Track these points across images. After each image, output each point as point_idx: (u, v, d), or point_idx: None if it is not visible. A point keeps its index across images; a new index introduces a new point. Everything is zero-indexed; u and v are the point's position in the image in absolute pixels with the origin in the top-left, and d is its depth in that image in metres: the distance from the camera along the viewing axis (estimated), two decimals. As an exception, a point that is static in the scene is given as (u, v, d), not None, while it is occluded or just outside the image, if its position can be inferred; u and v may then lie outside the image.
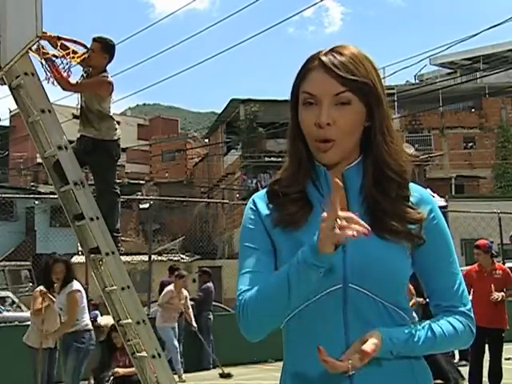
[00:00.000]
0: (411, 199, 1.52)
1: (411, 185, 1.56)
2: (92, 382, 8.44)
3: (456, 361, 9.58)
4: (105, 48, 5.34)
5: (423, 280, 1.57)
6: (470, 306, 1.55)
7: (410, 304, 8.20)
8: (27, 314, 8.69)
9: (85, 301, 6.74)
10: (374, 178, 1.50)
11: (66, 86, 5.18)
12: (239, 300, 1.47)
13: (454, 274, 1.55)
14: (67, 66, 5.16)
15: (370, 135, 1.50)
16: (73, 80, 5.27)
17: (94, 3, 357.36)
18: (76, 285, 6.58)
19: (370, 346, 1.37)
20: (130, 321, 4.94)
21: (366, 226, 1.30)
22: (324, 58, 1.46)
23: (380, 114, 1.49)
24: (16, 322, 12.61)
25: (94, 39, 5.34)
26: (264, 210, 1.55)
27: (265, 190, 1.60)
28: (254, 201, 1.58)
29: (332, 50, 1.48)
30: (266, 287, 1.43)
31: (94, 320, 8.79)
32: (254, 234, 1.54)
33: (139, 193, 34.05)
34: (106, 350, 7.88)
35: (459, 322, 1.51)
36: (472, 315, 1.55)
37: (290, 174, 1.55)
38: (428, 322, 1.50)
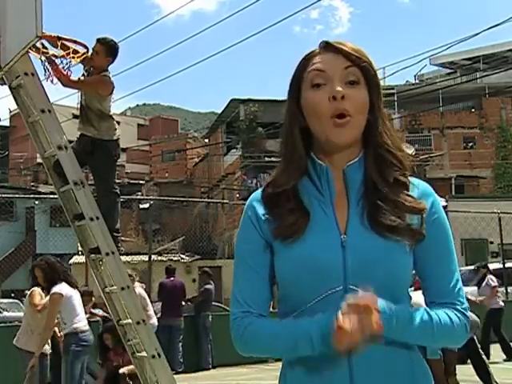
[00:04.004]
0: (412, 193, 1.51)
1: (412, 179, 1.55)
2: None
3: None
4: (109, 51, 5.33)
5: (419, 275, 1.54)
6: (466, 305, 1.52)
7: None
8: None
9: (75, 303, 6.48)
10: (376, 165, 1.50)
11: (66, 82, 5.17)
12: (237, 323, 1.51)
13: (452, 271, 1.51)
14: (67, 66, 5.16)
15: (370, 130, 1.51)
16: (73, 78, 5.27)
17: (98, 2, 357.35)
18: (58, 287, 6.32)
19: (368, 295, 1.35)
20: (129, 321, 4.93)
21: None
22: (331, 42, 1.51)
23: (380, 105, 1.52)
24: (16, 322, 12.60)
25: (98, 40, 5.32)
26: (262, 216, 1.53)
27: (261, 192, 1.57)
28: (251, 206, 1.56)
29: (335, 41, 1.52)
30: (265, 337, 1.47)
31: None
32: (250, 247, 1.53)
33: (139, 193, 34.07)
34: (99, 351, 7.81)
35: (456, 316, 1.48)
36: (468, 315, 1.51)
37: (282, 170, 1.54)
38: (423, 308, 1.48)
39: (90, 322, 8.61)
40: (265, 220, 1.52)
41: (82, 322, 6.53)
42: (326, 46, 1.50)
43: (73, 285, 6.60)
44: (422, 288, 1.56)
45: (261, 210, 1.53)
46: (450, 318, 1.47)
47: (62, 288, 6.37)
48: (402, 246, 1.45)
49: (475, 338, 7.40)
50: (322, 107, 1.46)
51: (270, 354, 1.52)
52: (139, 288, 9.46)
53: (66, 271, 6.74)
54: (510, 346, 10.70)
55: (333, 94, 1.44)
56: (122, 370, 7.50)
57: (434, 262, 1.50)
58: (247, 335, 1.49)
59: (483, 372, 7.37)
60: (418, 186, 1.53)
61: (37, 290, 6.93)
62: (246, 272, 1.53)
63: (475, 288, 11.10)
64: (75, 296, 6.52)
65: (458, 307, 1.49)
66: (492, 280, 10.96)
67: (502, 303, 10.95)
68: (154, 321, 9.26)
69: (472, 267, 12.33)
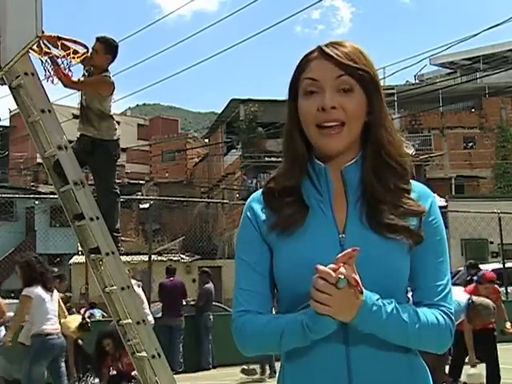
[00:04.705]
0: (412, 195, 1.51)
1: (411, 181, 1.54)
2: None
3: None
4: (108, 49, 5.34)
5: (411, 274, 1.50)
6: (452, 309, 1.49)
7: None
8: None
9: (47, 306, 6.48)
10: (373, 168, 1.49)
11: (67, 82, 5.19)
12: (236, 321, 1.51)
13: (442, 273, 1.50)
14: (67, 66, 5.16)
15: (369, 130, 1.50)
16: (74, 79, 5.28)
17: (98, 2, 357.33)
18: (29, 290, 6.37)
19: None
20: (130, 321, 4.93)
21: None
22: (324, 48, 1.49)
23: (381, 105, 1.50)
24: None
25: (98, 39, 5.33)
26: (261, 214, 1.53)
27: (261, 190, 1.58)
28: (250, 206, 1.56)
29: (332, 43, 1.50)
30: (261, 330, 1.46)
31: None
32: (250, 247, 1.53)
33: (139, 193, 34.07)
34: (96, 357, 7.73)
35: (442, 317, 1.46)
36: (453, 318, 1.48)
37: (285, 169, 1.55)
38: (411, 306, 1.46)
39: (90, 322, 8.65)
40: (264, 217, 1.52)
41: (51, 326, 6.50)
42: (321, 51, 1.49)
43: (48, 288, 6.59)
44: (410, 288, 1.53)
45: (260, 209, 1.54)
46: (437, 319, 1.45)
47: (33, 291, 6.38)
48: (400, 246, 1.45)
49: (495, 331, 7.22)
50: (309, 116, 1.47)
51: (269, 349, 1.49)
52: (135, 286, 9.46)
53: (45, 273, 6.67)
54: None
55: (322, 105, 1.45)
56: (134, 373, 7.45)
57: (426, 262, 1.49)
58: (245, 332, 1.48)
59: (494, 374, 7.24)
60: (416, 189, 1.53)
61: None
62: (246, 271, 1.53)
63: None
64: (48, 299, 6.51)
65: (445, 309, 1.47)
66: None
67: None
68: (150, 318, 9.27)
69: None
